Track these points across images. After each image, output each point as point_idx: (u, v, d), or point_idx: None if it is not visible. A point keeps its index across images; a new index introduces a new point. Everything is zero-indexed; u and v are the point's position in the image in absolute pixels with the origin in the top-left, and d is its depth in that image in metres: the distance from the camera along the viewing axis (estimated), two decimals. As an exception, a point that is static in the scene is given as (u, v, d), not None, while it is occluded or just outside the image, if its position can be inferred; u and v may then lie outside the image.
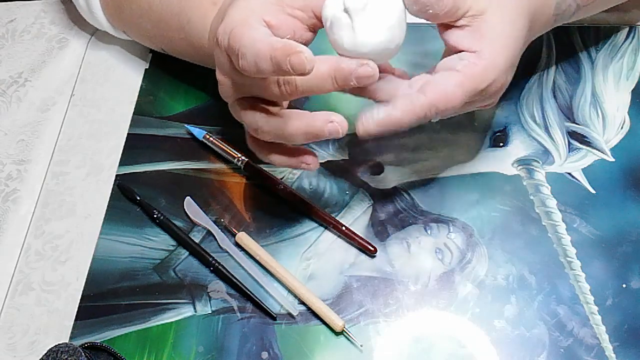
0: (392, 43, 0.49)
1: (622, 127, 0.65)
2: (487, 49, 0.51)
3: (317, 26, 0.53)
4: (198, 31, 0.61)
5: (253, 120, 0.52)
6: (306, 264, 0.60)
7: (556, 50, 0.70)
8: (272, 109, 0.52)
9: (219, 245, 0.61)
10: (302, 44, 0.48)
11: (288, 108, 0.54)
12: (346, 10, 0.48)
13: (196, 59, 0.66)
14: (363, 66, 0.48)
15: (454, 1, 0.50)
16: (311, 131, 0.51)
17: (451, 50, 0.53)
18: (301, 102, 0.68)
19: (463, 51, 0.51)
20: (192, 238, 0.62)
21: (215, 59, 0.53)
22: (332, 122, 0.50)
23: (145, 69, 0.73)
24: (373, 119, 0.50)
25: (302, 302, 0.58)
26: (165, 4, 0.63)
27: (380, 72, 0.50)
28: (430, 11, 0.49)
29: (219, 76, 0.53)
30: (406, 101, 0.50)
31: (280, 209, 0.63)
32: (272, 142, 0.53)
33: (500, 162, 0.64)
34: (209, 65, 0.64)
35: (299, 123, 0.51)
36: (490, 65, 0.51)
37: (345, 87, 0.50)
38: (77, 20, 0.76)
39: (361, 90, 0.52)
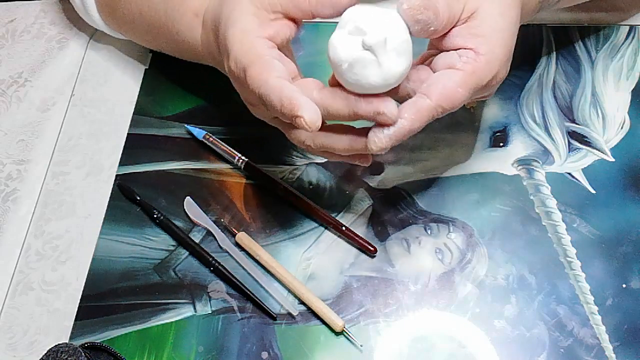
0: (410, 65, 0.49)
1: (622, 127, 0.65)
2: (485, 45, 0.51)
3: (297, 19, 0.53)
4: (187, 41, 0.61)
5: (299, 139, 0.52)
6: (306, 264, 0.60)
7: (556, 50, 0.70)
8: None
9: (219, 245, 0.61)
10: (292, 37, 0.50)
11: None
12: (368, 48, 0.47)
13: (192, 60, 0.66)
14: (380, 115, 0.48)
15: (449, 11, 0.50)
16: (354, 149, 0.51)
17: (440, 47, 0.52)
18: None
19: (460, 49, 0.51)
20: (192, 238, 0.62)
21: (236, 88, 0.54)
22: (375, 142, 0.50)
23: (145, 69, 0.73)
24: (384, 134, 0.49)
25: (302, 302, 0.58)
26: (154, 11, 0.64)
27: None
28: (432, 28, 0.49)
29: (247, 103, 0.54)
30: (412, 108, 0.49)
31: (280, 209, 0.63)
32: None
33: (500, 162, 0.64)
34: (206, 63, 0.64)
35: (343, 142, 0.51)
36: (490, 60, 0.51)
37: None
38: (76, 20, 0.76)
39: None
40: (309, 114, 0.47)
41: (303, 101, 0.48)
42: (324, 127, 0.51)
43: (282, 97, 0.48)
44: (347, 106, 0.49)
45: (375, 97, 0.48)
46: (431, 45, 0.54)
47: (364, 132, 0.51)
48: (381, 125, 0.49)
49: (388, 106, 0.48)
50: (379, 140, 0.49)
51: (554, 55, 0.69)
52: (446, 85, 0.50)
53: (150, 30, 0.65)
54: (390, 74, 0.48)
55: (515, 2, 0.53)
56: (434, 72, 0.51)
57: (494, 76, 0.51)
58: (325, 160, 0.65)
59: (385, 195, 0.63)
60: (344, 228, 0.61)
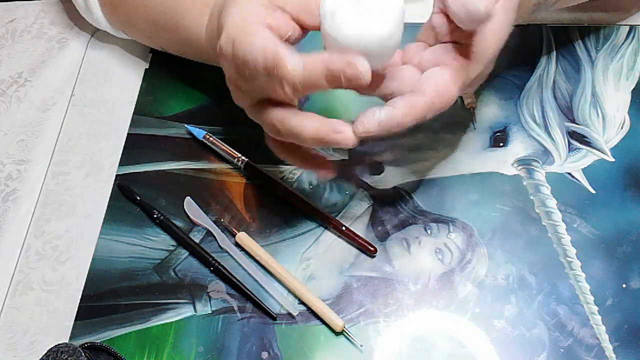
0: (393, 38, 0.49)
1: (622, 127, 0.65)
2: (480, 43, 0.50)
3: (306, 25, 0.53)
4: (194, 32, 0.61)
5: (270, 121, 0.52)
6: (306, 264, 0.60)
7: (556, 50, 0.70)
8: (287, 110, 0.52)
9: (219, 245, 0.61)
10: (297, 40, 0.49)
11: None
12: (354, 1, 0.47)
13: (194, 57, 0.66)
14: (350, 66, 0.47)
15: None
16: (318, 137, 0.50)
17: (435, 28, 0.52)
18: (301, 103, 0.68)
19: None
20: (192, 238, 0.62)
21: (223, 69, 0.53)
22: (339, 133, 0.50)
23: (145, 69, 0.73)
24: (374, 118, 0.49)
25: (302, 302, 0.58)
26: (160, 4, 0.63)
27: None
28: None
29: (229, 85, 0.54)
30: (407, 102, 0.49)
31: (280, 209, 0.63)
32: (291, 143, 0.53)
33: (500, 162, 0.64)
34: (208, 62, 0.64)
35: (310, 126, 0.50)
36: (480, 58, 0.51)
37: (338, 87, 0.49)
38: (77, 20, 0.76)
39: (369, 88, 0.52)
40: (292, 60, 0.47)
41: (286, 51, 0.47)
42: (292, 114, 0.51)
43: (265, 52, 0.47)
44: (322, 61, 0.48)
45: (346, 58, 0.48)
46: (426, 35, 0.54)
47: (330, 125, 0.50)
48: (352, 83, 0.48)
49: (360, 60, 0.47)
50: (368, 121, 0.49)
51: (554, 55, 0.69)
52: (438, 83, 0.50)
53: (154, 24, 0.65)
54: (367, 31, 0.47)
55: (514, 6, 0.53)
56: (422, 69, 0.51)
57: (480, 73, 0.51)
58: (325, 160, 0.65)
59: (385, 195, 0.63)
60: (344, 228, 0.61)
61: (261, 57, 0.48)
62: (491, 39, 0.51)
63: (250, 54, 0.48)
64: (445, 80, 0.50)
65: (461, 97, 0.67)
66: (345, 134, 0.49)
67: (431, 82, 0.50)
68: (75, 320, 0.59)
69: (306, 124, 0.50)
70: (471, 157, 0.64)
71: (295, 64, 0.47)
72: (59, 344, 0.52)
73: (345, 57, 0.47)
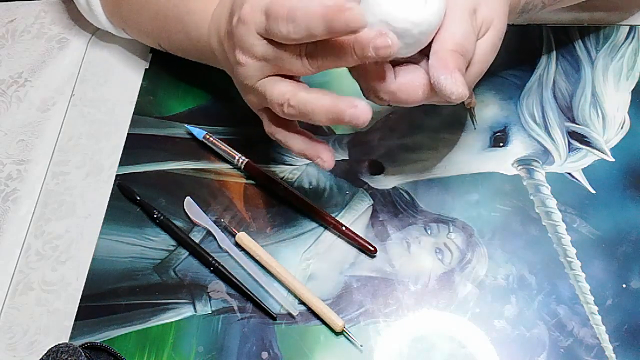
0: (435, 26, 0.49)
1: (622, 127, 0.65)
2: (474, 68, 0.52)
3: None
4: (197, 22, 0.60)
5: (280, 93, 0.51)
6: (306, 264, 0.60)
7: (556, 50, 0.70)
8: (300, 84, 0.52)
9: (219, 245, 0.61)
10: None
11: None
12: None
13: (193, 54, 0.66)
14: (382, 36, 0.47)
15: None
16: (334, 111, 0.50)
17: None
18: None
19: None
20: (192, 238, 0.62)
21: (238, 41, 0.52)
22: (355, 107, 0.49)
23: (145, 69, 0.73)
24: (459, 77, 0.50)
25: (302, 302, 0.58)
26: (162, 4, 0.63)
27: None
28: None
29: (242, 57, 0.52)
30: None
31: (280, 209, 0.63)
32: (292, 126, 0.53)
33: (500, 162, 0.64)
34: (205, 61, 0.64)
35: (324, 101, 0.50)
36: (467, 79, 0.52)
37: (365, 59, 0.48)
38: (77, 20, 0.76)
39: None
40: (357, 6, 0.46)
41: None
42: (305, 87, 0.51)
43: (323, 2, 0.46)
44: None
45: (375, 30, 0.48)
46: None
47: (345, 100, 0.50)
48: (380, 53, 0.47)
49: (384, 39, 0.47)
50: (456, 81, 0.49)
51: (554, 55, 0.69)
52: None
53: (156, 16, 0.65)
54: (415, 17, 0.48)
55: (505, 28, 0.54)
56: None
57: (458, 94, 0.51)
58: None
59: (385, 195, 0.63)
60: (344, 228, 0.61)
61: (320, 7, 0.46)
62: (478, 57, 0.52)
63: (302, 8, 0.47)
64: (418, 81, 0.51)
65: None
66: (360, 108, 0.49)
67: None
68: (75, 320, 0.59)
69: (321, 98, 0.50)
70: (471, 157, 0.64)
71: (359, 10, 0.46)
72: (59, 344, 0.52)
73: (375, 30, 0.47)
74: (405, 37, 0.49)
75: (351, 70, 0.53)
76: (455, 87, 0.49)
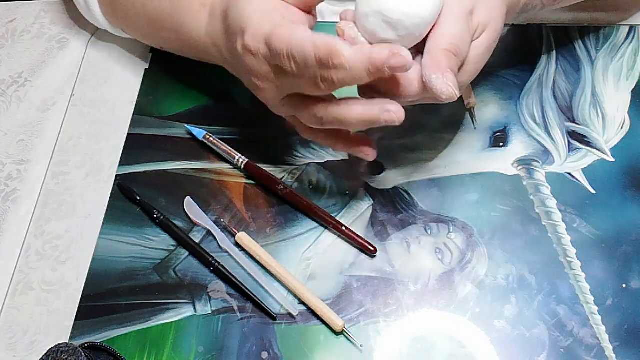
0: (432, 17, 0.50)
1: (622, 127, 0.65)
2: (468, 68, 0.52)
3: (312, 13, 0.54)
4: (193, 32, 0.61)
5: (312, 113, 0.52)
6: (306, 264, 0.60)
7: (556, 50, 0.70)
8: (327, 101, 0.52)
9: (219, 245, 0.61)
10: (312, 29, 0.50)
11: None
12: None
13: (194, 56, 0.66)
14: (395, 56, 0.48)
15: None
16: (368, 118, 0.51)
17: None
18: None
19: None
20: (192, 238, 0.62)
21: (249, 69, 0.53)
22: (389, 112, 0.50)
23: (145, 69, 0.73)
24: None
25: (302, 302, 0.58)
26: (158, 4, 0.63)
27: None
28: None
29: (259, 83, 0.54)
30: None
31: (280, 209, 0.63)
32: (332, 129, 0.54)
33: (500, 162, 0.64)
34: (208, 61, 0.64)
35: (356, 110, 0.51)
36: (460, 79, 0.52)
37: (380, 76, 0.49)
38: (77, 20, 0.76)
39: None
40: (348, 50, 0.47)
41: (339, 40, 0.48)
42: (334, 101, 0.51)
43: (316, 43, 0.47)
44: (363, 54, 0.48)
45: (388, 48, 0.49)
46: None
47: (377, 104, 0.51)
48: (396, 71, 0.49)
49: (402, 49, 0.48)
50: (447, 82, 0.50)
51: (554, 55, 0.69)
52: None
53: (153, 23, 0.65)
54: (411, 8, 0.49)
55: (501, 30, 0.54)
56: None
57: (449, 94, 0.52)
58: (325, 160, 0.65)
59: (385, 195, 0.63)
60: (344, 228, 0.61)
61: (311, 47, 0.47)
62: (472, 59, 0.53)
63: (297, 47, 0.48)
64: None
65: (461, 97, 0.67)
66: (394, 110, 0.50)
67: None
68: (75, 320, 0.59)
69: (352, 109, 0.51)
70: (471, 157, 0.64)
71: (351, 52, 0.47)
72: (59, 344, 0.52)
73: (388, 47, 0.48)
74: (398, 28, 0.49)
75: None
76: (446, 87, 0.49)
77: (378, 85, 0.52)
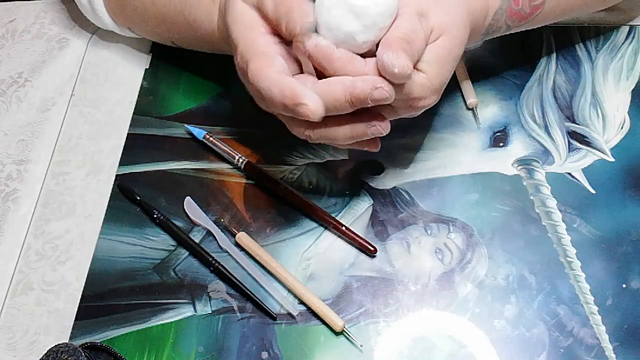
0: (394, 9, 0.50)
1: (622, 127, 0.65)
2: (432, 70, 0.51)
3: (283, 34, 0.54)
4: (205, 28, 0.61)
5: (299, 132, 0.53)
6: (306, 264, 0.60)
7: (556, 50, 0.70)
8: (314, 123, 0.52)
9: (219, 245, 0.61)
10: None
11: None
12: None
13: (208, 50, 0.66)
14: (378, 90, 0.48)
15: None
16: (355, 135, 0.52)
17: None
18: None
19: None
20: (192, 238, 0.62)
21: (244, 84, 0.54)
22: (374, 126, 0.51)
23: (145, 69, 0.73)
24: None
25: (302, 302, 0.58)
26: (168, 1, 0.63)
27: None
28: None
29: (259, 102, 0.54)
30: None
31: (280, 209, 0.63)
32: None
33: (500, 162, 0.64)
34: (221, 52, 0.64)
35: (343, 130, 0.52)
36: (428, 83, 0.51)
37: (363, 106, 0.50)
38: (77, 20, 0.76)
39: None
40: (312, 101, 0.48)
41: (305, 90, 0.48)
42: (323, 119, 0.51)
43: (283, 88, 0.49)
44: (344, 89, 0.49)
45: (367, 63, 0.49)
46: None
47: (363, 117, 0.51)
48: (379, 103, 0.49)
49: (384, 82, 0.48)
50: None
51: (554, 55, 0.69)
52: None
53: (164, 21, 0.65)
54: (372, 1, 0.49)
55: (467, 31, 0.54)
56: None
57: (420, 97, 0.51)
58: (325, 160, 0.65)
59: (385, 195, 0.63)
60: (344, 228, 0.61)
61: (278, 91, 0.49)
62: (436, 71, 0.52)
63: (266, 90, 0.50)
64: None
65: (462, 97, 0.67)
66: (378, 125, 0.51)
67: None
68: (75, 320, 0.59)
69: (339, 129, 0.52)
70: (471, 157, 0.64)
71: (316, 104, 0.48)
72: (59, 344, 0.52)
73: (369, 80, 0.49)
74: (363, 17, 0.49)
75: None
76: (397, 59, 0.48)
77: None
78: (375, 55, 0.50)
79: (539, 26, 0.63)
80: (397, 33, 0.50)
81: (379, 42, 0.50)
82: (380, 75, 0.49)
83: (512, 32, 0.61)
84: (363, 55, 0.51)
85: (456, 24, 0.53)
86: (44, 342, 0.58)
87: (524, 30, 0.62)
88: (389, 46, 0.49)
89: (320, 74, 0.51)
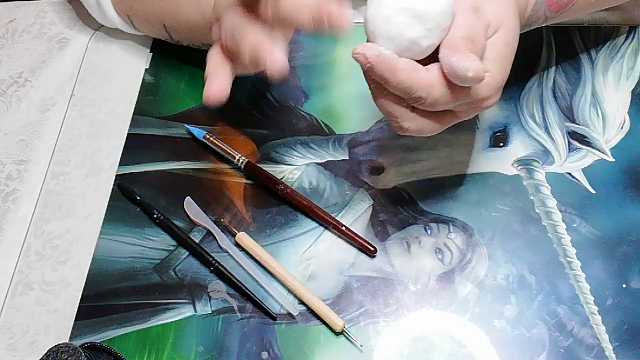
0: (449, 11, 0.48)
1: (622, 127, 0.65)
2: (494, 67, 0.50)
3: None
4: (207, 13, 0.60)
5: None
6: (306, 264, 0.60)
7: (556, 50, 0.70)
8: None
9: (219, 245, 0.61)
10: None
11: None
12: None
13: (203, 30, 0.65)
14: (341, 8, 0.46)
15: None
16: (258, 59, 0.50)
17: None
18: (301, 102, 0.68)
19: None
20: (192, 238, 0.62)
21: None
22: (271, 54, 0.48)
23: (145, 69, 0.73)
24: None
25: (302, 302, 0.58)
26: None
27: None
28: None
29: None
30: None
31: (280, 209, 0.63)
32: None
33: (500, 162, 0.64)
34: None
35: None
36: (493, 82, 0.50)
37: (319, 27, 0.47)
38: (77, 20, 0.76)
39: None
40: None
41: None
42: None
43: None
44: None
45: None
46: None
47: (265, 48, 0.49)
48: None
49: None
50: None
51: (554, 55, 0.69)
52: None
53: (162, 1, 0.65)
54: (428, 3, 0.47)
55: (518, 32, 0.52)
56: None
57: (486, 97, 0.50)
58: (325, 160, 0.65)
59: (385, 195, 0.63)
60: (344, 228, 0.61)
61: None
62: (504, 65, 0.51)
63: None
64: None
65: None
66: (276, 55, 0.48)
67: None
68: (75, 320, 0.59)
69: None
70: (471, 157, 0.64)
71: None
72: (59, 344, 0.52)
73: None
74: (426, 20, 0.47)
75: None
76: (470, 62, 0.46)
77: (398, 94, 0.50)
78: (434, 60, 0.48)
79: (573, 18, 0.61)
80: (459, 33, 0.48)
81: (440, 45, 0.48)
82: (446, 80, 0.47)
83: (548, 24, 0.60)
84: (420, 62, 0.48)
85: (509, 16, 0.51)
86: (44, 342, 0.58)
87: (558, 22, 0.61)
88: (455, 49, 0.47)
89: (378, 88, 0.49)
